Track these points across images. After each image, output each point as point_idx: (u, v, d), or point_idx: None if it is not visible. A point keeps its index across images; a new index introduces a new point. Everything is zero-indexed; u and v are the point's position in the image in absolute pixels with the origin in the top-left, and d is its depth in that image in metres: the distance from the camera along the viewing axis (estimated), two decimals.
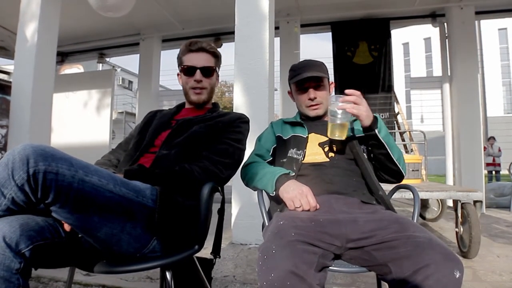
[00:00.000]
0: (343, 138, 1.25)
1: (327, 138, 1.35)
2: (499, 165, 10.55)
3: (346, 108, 1.19)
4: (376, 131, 1.24)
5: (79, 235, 1.02)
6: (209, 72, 1.44)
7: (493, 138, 10.66)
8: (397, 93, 5.65)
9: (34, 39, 3.43)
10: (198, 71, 1.41)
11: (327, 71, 1.46)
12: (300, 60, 1.52)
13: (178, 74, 1.51)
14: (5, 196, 0.85)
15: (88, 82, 6.19)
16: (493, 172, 10.53)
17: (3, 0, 4.52)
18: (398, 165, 1.31)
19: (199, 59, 1.42)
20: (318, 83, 1.40)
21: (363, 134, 1.37)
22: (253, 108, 2.76)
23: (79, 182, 0.87)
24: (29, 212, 0.91)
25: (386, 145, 1.26)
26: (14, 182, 0.83)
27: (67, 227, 0.98)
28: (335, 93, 1.36)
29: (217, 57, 1.48)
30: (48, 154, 0.85)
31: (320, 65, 1.44)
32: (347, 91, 1.22)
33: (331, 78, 1.51)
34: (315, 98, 1.40)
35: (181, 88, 1.50)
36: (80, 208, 0.90)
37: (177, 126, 1.36)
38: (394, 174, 1.34)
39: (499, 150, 10.48)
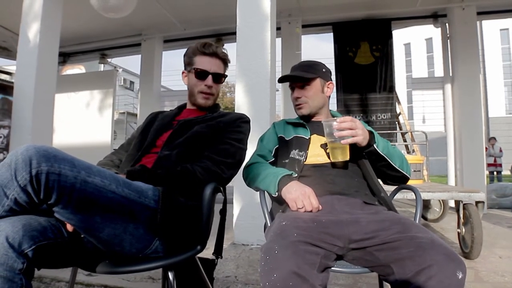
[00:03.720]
0: (347, 159, 1.24)
1: None
2: (500, 165, 10.56)
3: (344, 135, 1.18)
4: (375, 146, 1.25)
5: (82, 236, 1.02)
6: (220, 78, 1.46)
7: (494, 138, 10.66)
8: (399, 93, 5.64)
9: (36, 40, 3.44)
10: (210, 77, 1.42)
11: (324, 71, 1.44)
12: (302, 60, 1.52)
13: (183, 72, 1.50)
14: (8, 196, 0.86)
15: (90, 82, 6.19)
16: (495, 173, 10.54)
17: (5, 1, 4.54)
18: (402, 171, 1.33)
19: (212, 64, 1.42)
20: (303, 82, 1.41)
21: None
22: (255, 109, 2.76)
23: (81, 183, 0.88)
24: (31, 212, 0.91)
25: (386, 157, 1.28)
26: (17, 183, 0.83)
27: (69, 227, 0.98)
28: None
29: (226, 64, 1.49)
30: (50, 155, 0.85)
31: (311, 66, 1.44)
32: (338, 119, 1.21)
33: (332, 78, 1.51)
34: (298, 98, 1.42)
35: (182, 89, 1.50)
36: (83, 209, 0.91)
37: (178, 127, 1.36)
38: (399, 179, 1.36)
39: (500, 151, 10.48)
